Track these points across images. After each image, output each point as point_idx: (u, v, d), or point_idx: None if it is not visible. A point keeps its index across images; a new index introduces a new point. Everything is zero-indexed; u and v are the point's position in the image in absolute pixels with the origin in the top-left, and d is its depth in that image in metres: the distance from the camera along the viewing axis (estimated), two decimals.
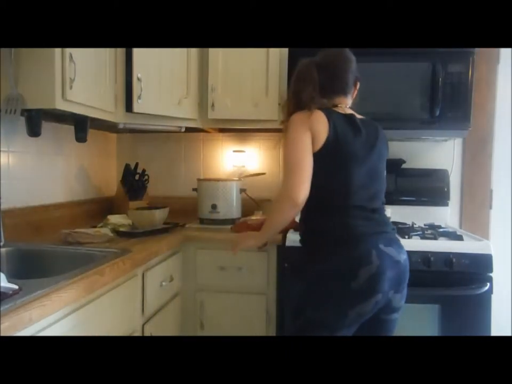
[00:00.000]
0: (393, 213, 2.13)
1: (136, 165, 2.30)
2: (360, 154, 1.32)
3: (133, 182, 2.26)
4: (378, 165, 1.39)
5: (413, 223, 2.04)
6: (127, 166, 2.28)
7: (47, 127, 1.74)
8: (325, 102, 1.38)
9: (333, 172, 1.31)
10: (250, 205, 2.20)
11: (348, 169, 1.30)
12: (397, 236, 1.38)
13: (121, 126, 1.87)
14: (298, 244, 1.66)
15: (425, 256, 1.63)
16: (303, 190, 1.26)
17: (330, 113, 1.33)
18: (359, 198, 1.30)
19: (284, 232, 1.78)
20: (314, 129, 1.29)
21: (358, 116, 1.41)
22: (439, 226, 2.02)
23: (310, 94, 1.35)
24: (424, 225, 2.05)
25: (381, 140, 1.42)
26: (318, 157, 1.29)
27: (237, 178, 2.16)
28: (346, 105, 1.43)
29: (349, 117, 1.37)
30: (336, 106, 1.40)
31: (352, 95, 1.46)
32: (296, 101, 1.38)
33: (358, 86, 1.46)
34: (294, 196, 1.26)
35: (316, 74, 1.37)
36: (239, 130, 2.31)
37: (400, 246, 1.32)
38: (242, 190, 2.12)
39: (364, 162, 1.33)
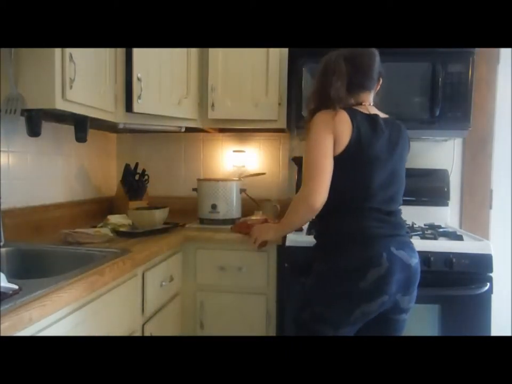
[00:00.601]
0: None
1: (136, 165, 2.30)
2: (382, 156, 1.32)
3: (133, 182, 2.26)
4: (398, 167, 1.39)
5: (413, 223, 2.04)
6: (127, 166, 2.28)
7: (47, 127, 1.74)
8: (351, 100, 1.36)
9: (354, 175, 1.31)
10: (250, 205, 2.20)
11: (369, 172, 1.30)
12: (409, 239, 1.38)
13: (121, 126, 1.87)
14: (298, 244, 1.68)
15: (425, 256, 1.63)
16: (321, 196, 1.27)
17: (355, 114, 1.31)
18: (377, 201, 1.31)
19: None
20: (337, 132, 1.28)
21: (382, 115, 1.39)
22: (439, 226, 2.02)
23: (338, 90, 1.32)
24: (424, 225, 2.05)
25: (403, 140, 1.41)
26: (339, 159, 1.29)
27: (237, 178, 2.16)
28: (370, 102, 1.41)
29: (373, 118, 1.34)
30: (360, 104, 1.37)
31: (375, 91, 1.44)
32: (323, 96, 1.34)
33: (380, 82, 1.44)
34: (311, 202, 1.27)
35: (344, 67, 1.33)
36: (239, 130, 2.31)
37: (412, 250, 1.32)
38: (242, 190, 2.12)
39: (385, 165, 1.32)
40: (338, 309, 1.26)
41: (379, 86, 1.45)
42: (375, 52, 1.39)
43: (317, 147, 1.29)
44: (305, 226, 1.84)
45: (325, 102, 1.33)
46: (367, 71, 1.37)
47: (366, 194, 1.30)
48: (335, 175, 1.29)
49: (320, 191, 1.27)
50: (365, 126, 1.31)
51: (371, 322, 1.28)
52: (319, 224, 1.40)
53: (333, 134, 1.28)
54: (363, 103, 1.38)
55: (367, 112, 1.35)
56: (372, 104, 1.42)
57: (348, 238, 1.29)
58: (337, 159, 1.29)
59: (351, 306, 1.25)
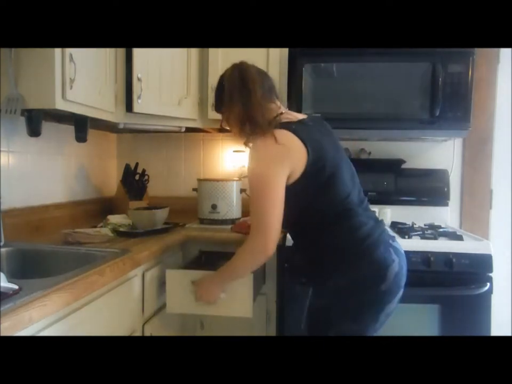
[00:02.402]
0: (393, 213, 2.14)
1: (136, 165, 2.30)
2: (337, 154, 1.27)
3: (133, 182, 2.26)
4: (348, 161, 1.33)
5: (413, 223, 2.04)
6: (127, 166, 2.28)
7: (47, 127, 1.74)
8: (269, 108, 1.28)
9: (323, 184, 1.23)
10: None
11: (337, 177, 1.24)
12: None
13: (121, 126, 1.87)
14: None
15: (425, 256, 1.63)
16: (274, 243, 1.21)
17: (295, 127, 1.22)
18: (355, 200, 1.26)
19: (283, 233, 1.79)
20: (294, 162, 1.19)
21: (303, 116, 1.34)
22: (439, 226, 2.02)
23: (259, 99, 1.24)
24: (424, 225, 2.05)
25: (331, 131, 1.36)
26: (304, 180, 1.20)
27: (237, 178, 2.16)
28: (284, 107, 1.34)
29: (305, 123, 1.27)
30: (280, 112, 1.30)
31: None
32: (246, 113, 1.25)
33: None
34: (269, 252, 1.22)
35: (257, 75, 1.28)
36: None
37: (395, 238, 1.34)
38: (242, 190, 2.11)
39: (342, 164, 1.27)
40: (366, 318, 1.23)
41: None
42: None
43: (269, 192, 1.17)
44: None
45: (249, 118, 1.24)
46: (266, 74, 1.35)
47: (344, 197, 1.24)
48: (306, 196, 1.23)
49: (273, 241, 1.20)
50: (311, 136, 1.22)
51: None
52: (310, 241, 1.31)
53: (289, 171, 1.18)
54: (280, 108, 1.32)
55: (295, 119, 1.28)
56: (286, 109, 1.35)
57: (350, 248, 1.23)
58: (301, 183, 1.21)
59: (377, 312, 1.22)
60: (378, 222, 1.31)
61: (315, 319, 1.33)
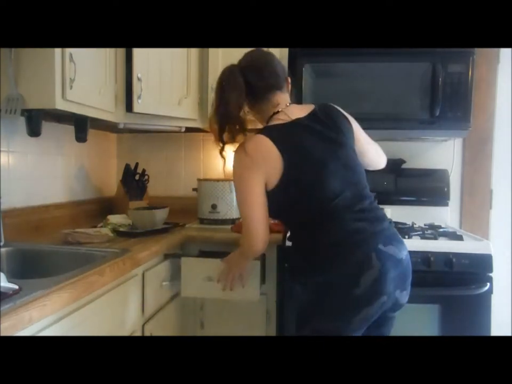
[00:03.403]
0: (393, 213, 2.14)
1: (136, 165, 2.30)
2: (324, 157, 1.24)
3: (133, 182, 2.26)
4: (348, 158, 1.29)
5: (413, 223, 2.04)
6: (127, 166, 2.28)
7: (47, 127, 1.74)
8: (264, 107, 1.31)
9: (305, 189, 1.23)
10: None
11: (319, 179, 1.23)
12: (394, 230, 1.31)
13: (121, 126, 1.87)
14: None
15: (425, 256, 1.63)
16: (261, 242, 1.30)
17: (277, 132, 1.24)
18: (343, 202, 1.23)
19: (284, 231, 1.79)
20: (268, 168, 1.22)
21: (306, 110, 1.31)
22: (439, 226, 2.02)
23: (236, 102, 1.26)
24: (424, 225, 2.05)
25: (342, 125, 1.31)
26: (283, 185, 1.23)
27: None
28: (287, 102, 1.34)
29: (297, 124, 1.27)
30: (277, 111, 1.31)
31: (288, 91, 1.38)
32: (225, 114, 1.28)
33: (289, 81, 1.40)
34: (254, 250, 1.33)
35: (241, 77, 1.28)
36: None
37: (399, 242, 1.26)
38: None
39: (332, 164, 1.24)
40: (338, 320, 1.21)
41: (290, 86, 1.40)
42: (271, 52, 1.37)
43: (246, 198, 1.27)
44: None
45: (229, 121, 1.29)
46: (266, 70, 1.32)
47: (329, 202, 1.22)
48: (288, 198, 1.24)
49: (258, 240, 1.29)
50: (293, 139, 1.24)
51: (372, 322, 1.26)
52: (296, 238, 1.35)
53: (263, 176, 1.23)
54: (279, 106, 1.32)
55: (288, 120, 1.28)
56: (289, 104, 1.34)
57: (331, 248, 1.22)
58: (282, 185, 1.23)
59: (350, 315, 1.20)
60: (373, 225, 1.24)
61: (297, 315, 1.35)
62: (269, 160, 1.23)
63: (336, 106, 1.37)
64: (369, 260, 1.17)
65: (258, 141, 1.25)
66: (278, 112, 1.32)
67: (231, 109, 1.28)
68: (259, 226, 1.28)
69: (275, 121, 1.30)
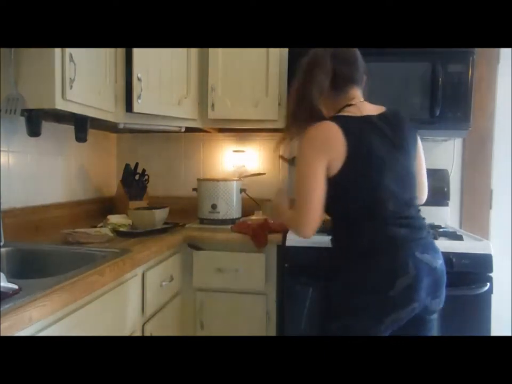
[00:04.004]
0: None
1: (136, 165, 2.30)
2: (385, 159, 1.26)
3: (133, 182, 2.26)
4: (407, 164, 1.31)
5: None
6: (127, 166, 2.28)
7: (47, 127, 1.74)
8: (340, 96, 1.32)
9: (362, 185, 1.25)
10: (250, 205, 2.20)
11: (376, 178, 1.25)
12: (432, 239, 1.32)
13: (121, 126, 1.87)
14: (298, 244, 1.67)
15: None
16: (312, 228, 1.27)
17: (346, 122, 1.26)
18: (393, 206, 1.25)
19: (284, 231, 1.79)
20: (332, 154, 1.23)
21: (378, 110, 1.34)
22: (439, 226, 2.02)
23: (321, 83, 1.29)
24: None
25: (408, 134, 1.33)
26: (342, 175, 1.24)
27: (237, 178, 2.16)
28: (360, 98, 1.35)
29: (366, 120, 1.29)
30: (350, 104, 1.32)
31: (362, 89, 1.39)
32: (304, 97, 1.30)
33: (365, 79, 1.40)
34: (302, 233, 1.29)
35: (330, 63, 1.30)
36: (239, 130, 2.31)
37: (436, 251, 1.28)
38: (242, 190, 2.12)
39: (392, 167, 1.26)
40: (369, 319, 1.22)
41: (364, 84, 1.40)
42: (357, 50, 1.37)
43: (308, 177, 1.25)
44: None
45: (307, 103, 1.30)
46: (353, 62, 1.33)
47: (380, 202, 1.25)
48: (342, 189, 1.26)
49: (311, 224, 1.26)
50: (360, 133, 1.25)
51: (405, 323, 1.26)
52: (338, 233, 1.35)
53: (326, 160, 1.23)
54: (353, 99, 1.33)
55: (360, 114, 1.29)
56: (362, 100, 1.36)
57: (371, 247, 1.24)
58: (340, 175, 1.24)
59: (381, 316, 1.21)
60: (414, 233, 1.26)
61: (324, 306, 1.35)
62: (335, 148, 1.23)
63: (405, 118, 1.38)
64: (406, 266, 1.19)
65: (327, 127, 1.26)
66: (350, 105, 1.33)
67: (313, 90, 1.29)
68: (315, 212, 1.25)
69: (346, 113, 1.31)
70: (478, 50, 1.93)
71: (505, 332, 2.20)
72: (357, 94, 1.35)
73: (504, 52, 2.23)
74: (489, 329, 1.62)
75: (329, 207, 1.30)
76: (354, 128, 1.26)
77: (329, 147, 1.24)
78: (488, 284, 1.61)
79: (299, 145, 1.30)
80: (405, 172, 1.30)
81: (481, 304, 1.62)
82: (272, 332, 1.82)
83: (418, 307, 1.23)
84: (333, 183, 1.26)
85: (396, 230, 1.24)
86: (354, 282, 1.25)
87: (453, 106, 1.88)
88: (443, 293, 1.30)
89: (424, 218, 1.34)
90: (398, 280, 1.19)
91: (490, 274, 1.63)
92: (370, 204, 1.25)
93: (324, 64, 1.30)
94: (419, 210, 1.34)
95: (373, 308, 1.22)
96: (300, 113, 1.34)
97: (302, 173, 1.28)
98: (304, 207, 1.26)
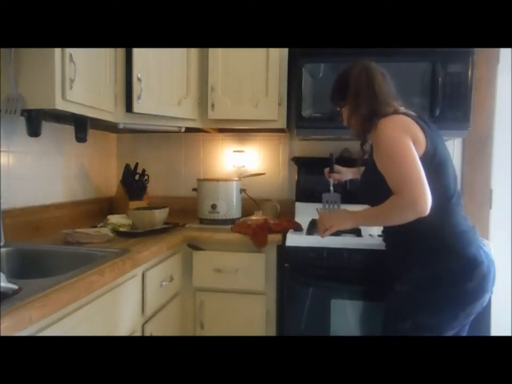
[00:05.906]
0: None
1: (136, 165, 2.30)
2: (446, 153, 1.31)
3: (133, 182, 2.26)
4: (453, 165, 1.35)
5: None
6: (127, 166, 2.28)
7: (47, 127, 1.74)
8: (383, 111, 1.33)
9: (435, 176, 1.24)
10: (250, 205, 2.20)
11: (446, 170, 1.29)
12: None
13: (121, 126, 1.88)
14: (298, 244, 1.67)
15: None
16: (428, 200, 1.18)
17: (411, 117, 1.30)
18: (457, 197, 1.30)
19: (284, 231, 1.79)
20: (415, 136, 1.25)
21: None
22: None
23: (387, 95, 1.34)
24: None
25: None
26: (422, 161, 1.23)
27: (237, 178, 2.16)
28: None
29: (419, 118, 1.32)
30: (395, 110, 1.35)
31: None
32: (375, 105, 1.32)
33: None
34: (419, 208, 1.17)
35: (381, 77, 1.36)
36: (239, 130, 2.31)
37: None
38: (242, 190, 2.12)
39: (449, 161, 1.32)
40: (444, 315, 1.22)
41: None
42: None
43: (407, 151, 1.22)
44: (305, 227, 1.84)
45: (375, 113, 1.31)
46: (388, 78, 1.40)
47: (450, 192, 1.28)
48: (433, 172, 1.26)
49: (427, 196, 1.17)
50: (422, 126, 1.28)
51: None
52: (403, 226, 1.26)
53: (411, 139, 1.24)
54: (401, 108, 1.36)
55: (414, 114, 1.35)
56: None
57: (445, 239, 1.24)
58: (423, 161, 1.24)
59: (457, 310, 1.22)
60: (471, 225, 1.31)
61: (392, 306, 1.32)
62: (415, 132, 1.25)
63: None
64: (479, 255, 1.23)
65: (402, 116, 1.29)
66: (396, 112, 1.34)
67: (382, 99, 1.32)
68: (423, 180, 1.18)
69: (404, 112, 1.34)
70: (477, 50, 1.93)
71: (505, 332, 2.20)
72: (397, 103, 1.38)
73: (504, 52, 2.23)
74: (489, 329, 1.62)
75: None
76: (421, 123, 1.29)
77: (411, 130, 1.26)
78: None
79: (386, 132, 1.26)
80: (454, 172, 1.34)
81: None
82: (272, 332, 1.82)
83: (487, 299, 1.25)
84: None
85: (464, 221, 1.28)
86: (430, 278, 1.23)
87: (452, 106, 1.88)
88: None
89: None
90: (476, 270, 1.20)
91: None
92: (443, 194, 1.27)
93: (386, 76, 1.36)
94: None
95: (450, 303, 1.21)
96: (368, 110, 1.34)
97: (396, 153, 1.22)
98: (416, 177, 1.19)
